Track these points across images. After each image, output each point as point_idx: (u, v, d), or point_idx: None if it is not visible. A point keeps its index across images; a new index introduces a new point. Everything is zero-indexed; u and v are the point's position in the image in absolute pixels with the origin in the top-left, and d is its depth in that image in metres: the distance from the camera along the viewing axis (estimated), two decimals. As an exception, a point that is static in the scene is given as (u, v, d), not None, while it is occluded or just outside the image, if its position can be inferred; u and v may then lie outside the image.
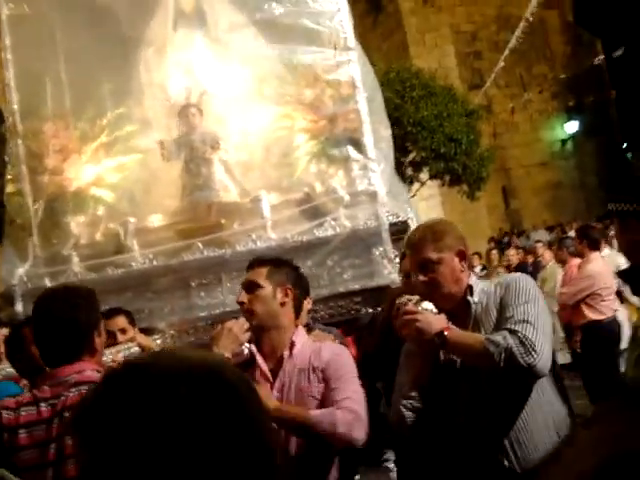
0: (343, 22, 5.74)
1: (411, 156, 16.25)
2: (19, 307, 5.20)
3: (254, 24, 6.12)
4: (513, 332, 2.35)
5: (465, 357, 2.50)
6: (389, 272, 5.19)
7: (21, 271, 5.40)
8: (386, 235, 5.23)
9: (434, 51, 22.75)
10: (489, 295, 2.57)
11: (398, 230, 5.26)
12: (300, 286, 3.05)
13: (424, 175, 16.86)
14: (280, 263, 3.04)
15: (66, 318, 2.42)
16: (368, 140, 5.52)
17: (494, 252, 13.79)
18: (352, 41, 5.69)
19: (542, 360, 2.33)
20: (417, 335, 2.47)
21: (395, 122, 15.06)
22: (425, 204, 18.68)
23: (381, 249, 5.26)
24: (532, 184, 25.59)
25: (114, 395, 0.91)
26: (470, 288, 2.59)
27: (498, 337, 2.37)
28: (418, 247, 2.61)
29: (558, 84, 27.26)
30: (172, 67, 6.35)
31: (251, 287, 2.90)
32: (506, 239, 20.81)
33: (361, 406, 2.68)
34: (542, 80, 26.99)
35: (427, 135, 15.64)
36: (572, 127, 26.69)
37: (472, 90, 22.24)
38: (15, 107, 5.70)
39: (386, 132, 5.74)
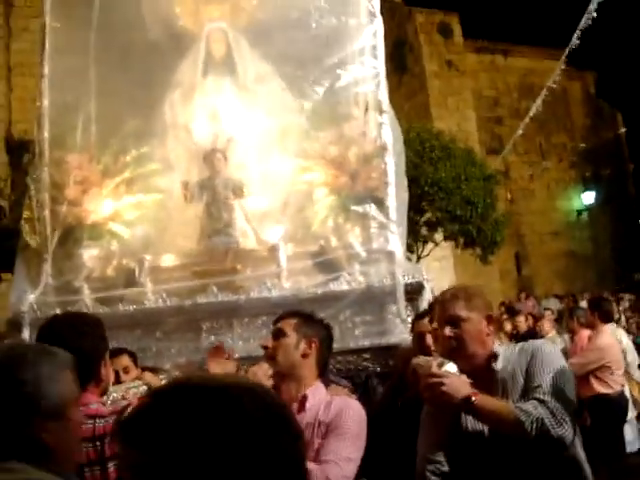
0: (380, 85, 5.82)
1: (426, 216, 16.30)
2: (26, 334, 5.15)
3: (285, 78, 6.27)
4: (543, 402, 2.36)
5: (493, 424, 2.48)
6: (400, 331, 5.12)
7: (31, 298, 5.38)
8: (400, 294, 5.20)
9: (455, 114, 23.04)
10: (514, 361, 2.57)
11: (412, 290, 5.26)
12: (327, 343, 3.06)
13: (438, 236, 16.88)
14: (311, 318, 3.10)
15: (73, 346, 2.30)
16: (391, 202, 5.56)
17: (505, 317, 13.68)
18: (386, 104, 5.78)
19: (571, 430, 2.36)
20: (442, 399, 2.44)
21: (413, 181, 15.17)
22: (438, 265, 18.66)
23: (394, 308, 5.21)
24: (545, 252, 25.58)
25: (178, 408, 0.93)
26: (495, 356, 2.59)
27: (529, 406, 2.37)
28: (449, 303, 2.64)
29: (576, 154, 27.48)
30: (198, 111, 6.45)
31: (277, 334, 2.97)
32: (518, 306, 20.63)
33: (339, 474, 2.60)
34: (561, 149, 27.24)
35: (444, 196, 15.72)
36: (588, 198, 26.78)
37: (490, 155, 22.44)
38: (46, 135, 5.75)
39: (405, 195, 5.78)
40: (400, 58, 23.36)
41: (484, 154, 21.44)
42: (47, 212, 5.59)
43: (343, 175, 5.81)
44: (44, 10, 5.92)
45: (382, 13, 6.01)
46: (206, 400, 0.92)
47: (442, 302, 2.71)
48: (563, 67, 16.17)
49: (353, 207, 5.68)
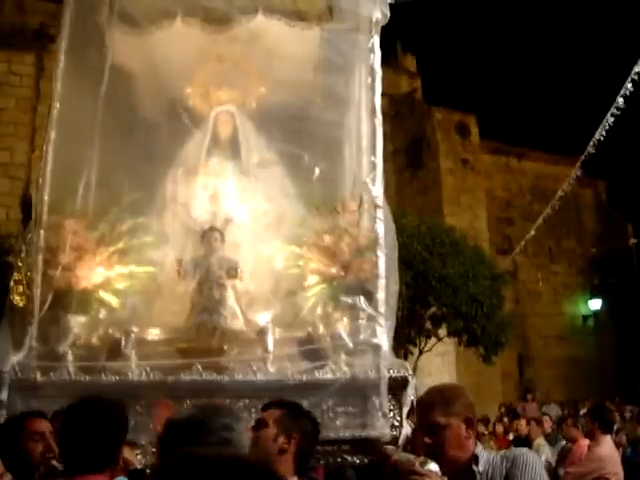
0: (376, 180, 5.90)
1: (432, 310, 16.21)
2: (4, 395, 5.10)
3: (285, 165, 6.45)
4: None
5: None
6: (382, 425, 5.10)
7: (14, 360, 5.34)
8: (384, 388, 5.18)
9: (467, 212, 23.20)
10: (495, 466, 2.56)
11: (396, 385, 5.22)
12: (310, 440, 2.94)
13: (442, 331, 16.74)
14: (298, 412, 3.00)
15: (97, 431, 2.53)
16: (381, 295, 5.58)
17: (505, 420, 13.44)
18: (381, 200, 5.84)
19: None
20: None
21: (420, 275, 15.24)
22: (440, 360, 18.46)
23: (377, 401, 5.17)
24: (549, 356, 25.29)
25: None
26: (476, 458, 2.57)
27: None
28: (427, 409, 2.63)
29: (585, 260, 27.53)
30: (199, 190, 6.59)
31: (258, 424, 2.90)
32: (519, 408, 20.23)
33: None
34: (570, 255, 27.32)
35: (450, 292, 15.65)
36: (595, 305, 26.68)
37: (500, 255, 22.45)
38: (45, 198, 5.80)
39: (395, 288, 5.80)
40: (416, 153, 23.76)
41: (493, 253, 21.46)
42: (38, 275, 5.61)
43: (335, 265, 5.87)
44: (54, 77, 6.13)
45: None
46: (213, 470, 0.97)
47: (421, 407, 2.72)
48: (578, 174, 16.40)
49: (343, 297, 5.70)
